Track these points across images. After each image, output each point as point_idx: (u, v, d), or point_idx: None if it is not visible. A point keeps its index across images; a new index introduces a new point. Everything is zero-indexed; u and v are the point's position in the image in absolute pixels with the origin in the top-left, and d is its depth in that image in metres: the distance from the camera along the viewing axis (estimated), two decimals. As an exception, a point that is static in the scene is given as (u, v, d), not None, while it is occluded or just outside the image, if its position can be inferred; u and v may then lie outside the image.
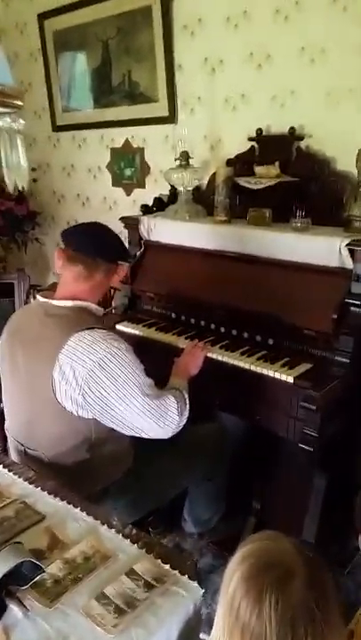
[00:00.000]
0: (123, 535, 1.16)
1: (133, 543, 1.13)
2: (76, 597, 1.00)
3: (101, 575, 1.05)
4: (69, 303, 1.52)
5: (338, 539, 2.03)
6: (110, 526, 1.19)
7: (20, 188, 1.14)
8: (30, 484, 1.34)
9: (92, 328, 1.45)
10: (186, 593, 1.01)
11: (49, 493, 1.30)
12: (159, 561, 1.08)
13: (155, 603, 0.98)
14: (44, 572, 1.00)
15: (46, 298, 1.56)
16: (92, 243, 1.56)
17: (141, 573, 1.04)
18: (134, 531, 1.18)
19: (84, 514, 1.23)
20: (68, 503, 1.27)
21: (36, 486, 1.33)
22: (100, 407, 1.42)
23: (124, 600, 0.98)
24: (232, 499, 2.12)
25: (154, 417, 1.46)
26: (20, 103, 1.01)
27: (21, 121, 1.04)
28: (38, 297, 1.60)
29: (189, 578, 1.05)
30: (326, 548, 1.95)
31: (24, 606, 0.97)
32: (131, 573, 1.04)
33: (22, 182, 1.12)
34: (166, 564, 1.08)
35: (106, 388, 1.40)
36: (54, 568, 1.05)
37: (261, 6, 2.14)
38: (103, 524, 1.20)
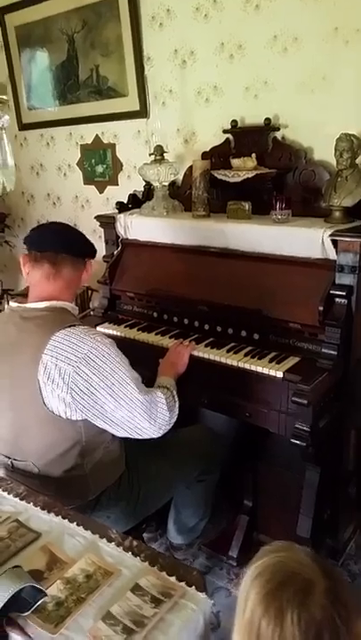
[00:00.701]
0: (123, 548, 1.11)
1: (136, 556, 1.09)
2: (80, 620, 0.95)
3: (105, 593, 1.00)
4: (44, 304, 1.48)
5: (330, 531, 2.03)
6: (110, 540, 1.14)
7: (8, 190, 1.07)
8: (21, 500, 1.28)
9: (73, 325, 1.42)
10: (195, 606, 0.97)
11: (42, 509, 1.25)
12: (164, 573, 1.04)
13: (164, 620, 0.94)
14: (46, 595, 0.95)
15: (19, 303, 1.52)
16: (54, 240, 1.53)
17: (147, 588, 1.00)
18: (135, 543, 1.13)
19: (80, 528, 1.18)
20: (63, 518, 1.21)
21: (28, 502, 1.27)
22: (89, 404, 1.38)
23: (132, 619, 0.94)
24: (223, 498, 2.10)
25: (144, 412, 1.42)
26: (5, 98, 0.94)
27: (6, 117, 0.98)
28: (11, 303, 1.56)
29: (197, 589, 1.01)
30: (319, 541, 1.94)
31: (27, 634, 0.92)
32: (136, 589, 1.00)
33: (10, 184, 1.05)
34: (172, 576, 1.03)
35: (93, 383, 1.37)
36: (55, 589, 1.00)
37: (231, -5, 2.10)
38: (102, 537, 1.15)
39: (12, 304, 1.54)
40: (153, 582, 1.01)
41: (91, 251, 1.61)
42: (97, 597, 0.99)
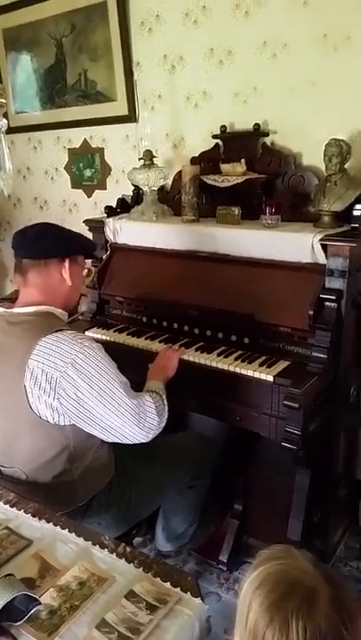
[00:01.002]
0: (117, 555, 1.10)
1: (129, 562, 1.08)
2: (75, 628, 0.93)
3: (100, 601, 0.99)
4: (31, 309, 1.46)
5: (320, 534, 2.03)
6: (102, 546, 1.13)
7: (6, 194, 1.06)
8: (11, 507, 1.26)
9: (60, 330, 1.40)
10: (191, 612, 0.96)
11: (33, 516, 1.23)
12: (158, 579, 1.03)
13: (160, 626, 0.93)
14: (39, 603, 0.93)
15: (5, 308, 1.50)
16: (32, 244, 1.49)
17: (142, 595, 0.99)
18: (128, 549, 1.12)
19: (72, 535, 1.16)
20: (55, 525, 1.20)
21: (19, 509, 1.25)
22: (77, 410, 1.36)
23: (128, 626, 0.92)
24: (213, 502, 2.09)
25: (133, 417, 1.40)
26: (3, 101, 0.93)
27: (5, 120, 0.96)
28: None
29: (192, 595, 1.00)
30: (309, 544, 1.94)
31: (20, 644, 0.90)
32: (131, 596, 0.99)
33: (7, 188, 1.03)
34: (166, 582, 1.02)
35: (81, 389, 1.35)
36: (48, 597, 0.99)
37: (220, 1, 2.11)
38: (95, 544, 1.13)
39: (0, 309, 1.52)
40: (147, 588, 1.00)
41: (72, 246, 1.54)
42: (91, 605, 0.98)
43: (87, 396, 1.35)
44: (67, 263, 1.51)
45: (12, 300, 1.60)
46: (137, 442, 1.45)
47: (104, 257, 2.28)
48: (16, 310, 1.47)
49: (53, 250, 1.50)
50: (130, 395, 1.42)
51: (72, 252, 1.53)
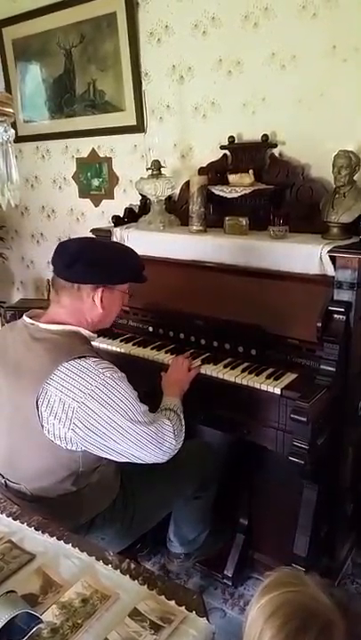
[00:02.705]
0: (121, 571, 1.08)
1: (134, 579, 1.05)
2: (77, 648, 0.91)
3: (103, 619, 0.96)
4: (58, 327, 1.40)
5: (327, 549, 2.00)
6: (106, 562, 1.10)
7: (13, 205, 1.04)
8: (15, 519, 1.24)
9: (83, 357, 1.34)
10: (196, 632, 0.94)
11: (36, 529, 1.21)
12: (163, 597, 1.01)
13: (164, 647, 0.91)
14: (41, 622, 0.91)
15: (33, 319, 1.44)
16: (65, 267, 1.41)
17: (146, 613, 0.96)
18: (133, 565, 1.10)
19: (76, 550, 1.14)
20: (59, 539, 1.17)
21: (22, 522, 1.23)
22: (93, 439, 1.32)
23: (131, 646, 0.90)
24: (219, 515, 2.06)
25: (151, 444, 1.36)
26: (11, 111, 0.92)
27: (12, 130, 0.96)
28: (24, 317, 1.47)
29: (197, 614, 0.98)
30: (316, 560, 1.91)
31: (21, 663, 0.88)
32: (135, 614, 0.96)
33: (14, 199, 1.02)
34: (171, 600, 1.00)
35: (99, 420, 1.30)
36: (50, 615, 0.96)
37: (230, 12, 2.12)
38: (98, 559, 1.11)
39: (26, 319, 1.46)
40: (152, 607, 0.98)
41: (94, 279, 1.42)
42: (94, 623, 0.95)
43: (105, 427, 1.31)
44: (99, 292, 1.43)
45: (22, 309, 1.55)
46: (152, 462, 1.41)
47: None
48: (42, 326, 1.41)
49: (86, 278, 1.42)
50: (148, 423, 1.37)
51: (106, 282, 1.45)
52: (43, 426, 1.32)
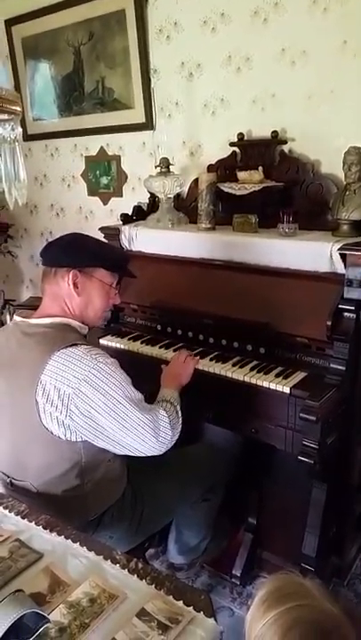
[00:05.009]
0: (129, 570, 1.07)
1: (141, 579, 1.05)
2: (85, 647, 0.91)
3: (110, 619, 0.96)
4: (47, 320, 1.43)
5: (336, 549, 1.99)
6: (114, 561, 1.10)
7: (20, 204, 1.04)
8: (23, 518, 1.24)
9: (75, 344, 1.36)
10: (204, 633, 0.93)
11: (44, 528, 1.21)
12: (171, 597, 1.00)
13: (172, 648, 0.90)
14: (48, 621, 0.91)
15: (23, 317, 1.47)
16: (43, 251, 1.48)
17: (153, 613, 0.96)
18: (140, 565, 1.09)
19: (84, 549, 1.14)
20: (66, 538, 1.17)
21: (30, 520, 1.23)
22: (89, 426, 1.33)
23: (139, 646, 0.90)
24: (226, 515, 2.05)
25: (146, 433, 1.36)
26: (18, 109, 0.92)
27: (19, 129, 0.96)
28: (15, 317, 1.50)
29: (205, 614, 0.97)
30: (325, 560, 1.90)
31: (28, 662, 0.88)
32: (142, 614, 0.96)
33: (22, 198, 1.01)
34: (179, 600, 0.99)
35: (94, 405, 1.31)
36: (58, 614, 0.96)
37: (239, 8, 2.10)
38: (106, 559, 1.11)
39: (17, 318, 1.49)
40: (159, 607, 0.97)
41: (68, 259, 1.45)
42: (102, 623, 0.95)
43: (100, 412, 1.32)
44: (71, 275, 1.44)
45: (31, 307, 1.57)
46: (149, 455, 1.41)
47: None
48: (33, 321, 1.44)
49: (60, 259, 1.46)
50: (144, 410, 1.38)
51: (79, 264, 1.46)
52: (41, 417, 1.33)
